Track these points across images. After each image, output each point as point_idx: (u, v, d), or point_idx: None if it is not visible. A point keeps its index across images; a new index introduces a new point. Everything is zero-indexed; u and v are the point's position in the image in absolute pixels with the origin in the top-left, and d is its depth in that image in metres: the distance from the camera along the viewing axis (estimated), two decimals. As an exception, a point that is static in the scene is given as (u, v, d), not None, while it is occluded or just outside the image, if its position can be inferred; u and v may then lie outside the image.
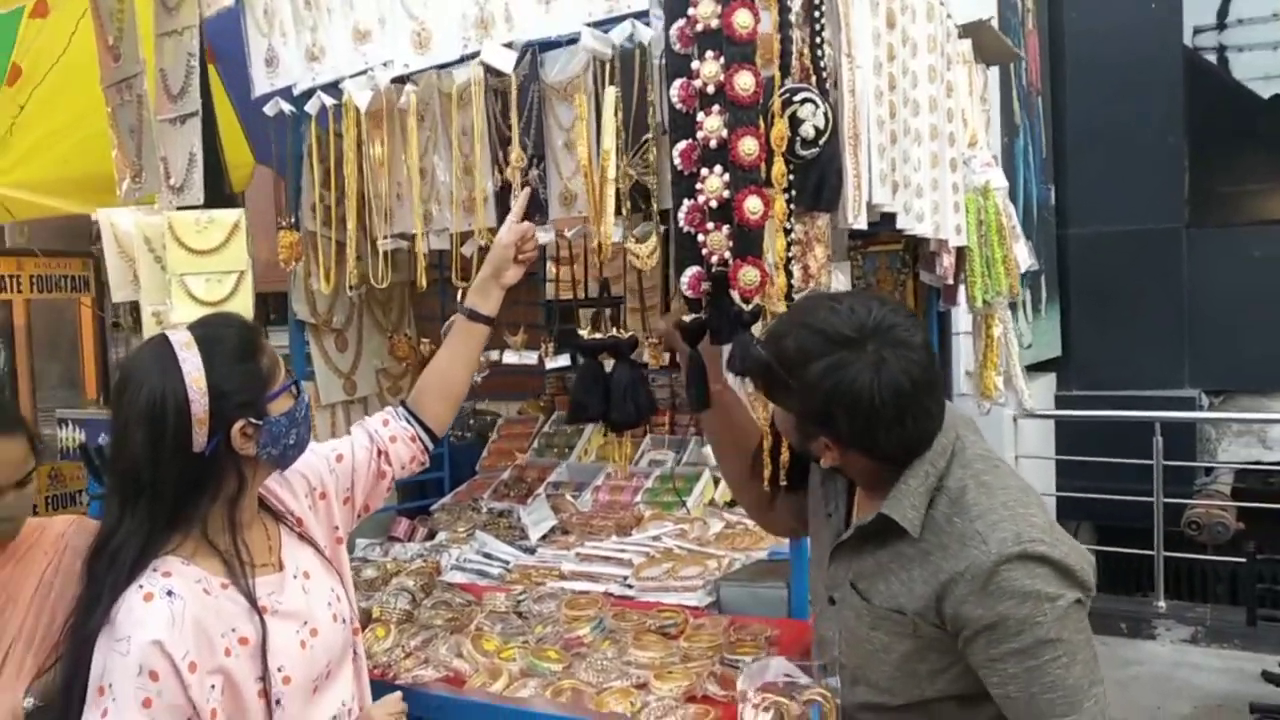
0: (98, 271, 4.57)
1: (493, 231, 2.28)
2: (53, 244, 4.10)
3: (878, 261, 3.43)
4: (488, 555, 2.75)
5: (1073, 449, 6.44)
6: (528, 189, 2.01)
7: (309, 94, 2.32)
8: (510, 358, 2.53)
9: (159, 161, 2.47)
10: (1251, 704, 3.53)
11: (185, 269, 2.37)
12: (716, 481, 3.05)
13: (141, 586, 1.37)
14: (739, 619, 2.19)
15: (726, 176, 1.76)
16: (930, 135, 2.62)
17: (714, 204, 1.76)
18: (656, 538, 2.66)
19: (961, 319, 3.24)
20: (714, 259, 1.78)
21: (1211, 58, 7.05)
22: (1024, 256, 3.04)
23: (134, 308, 2.57)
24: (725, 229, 1.76)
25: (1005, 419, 5.80)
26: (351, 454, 1.81)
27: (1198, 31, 7.05)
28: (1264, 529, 5.74)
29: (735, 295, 1.76)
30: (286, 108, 2.37)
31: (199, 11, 2.36)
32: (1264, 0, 6.82)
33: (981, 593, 1.30)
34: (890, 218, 2.42)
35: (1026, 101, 6.48)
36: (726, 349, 1.76)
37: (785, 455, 1.81)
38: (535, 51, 2.22)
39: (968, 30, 2.97)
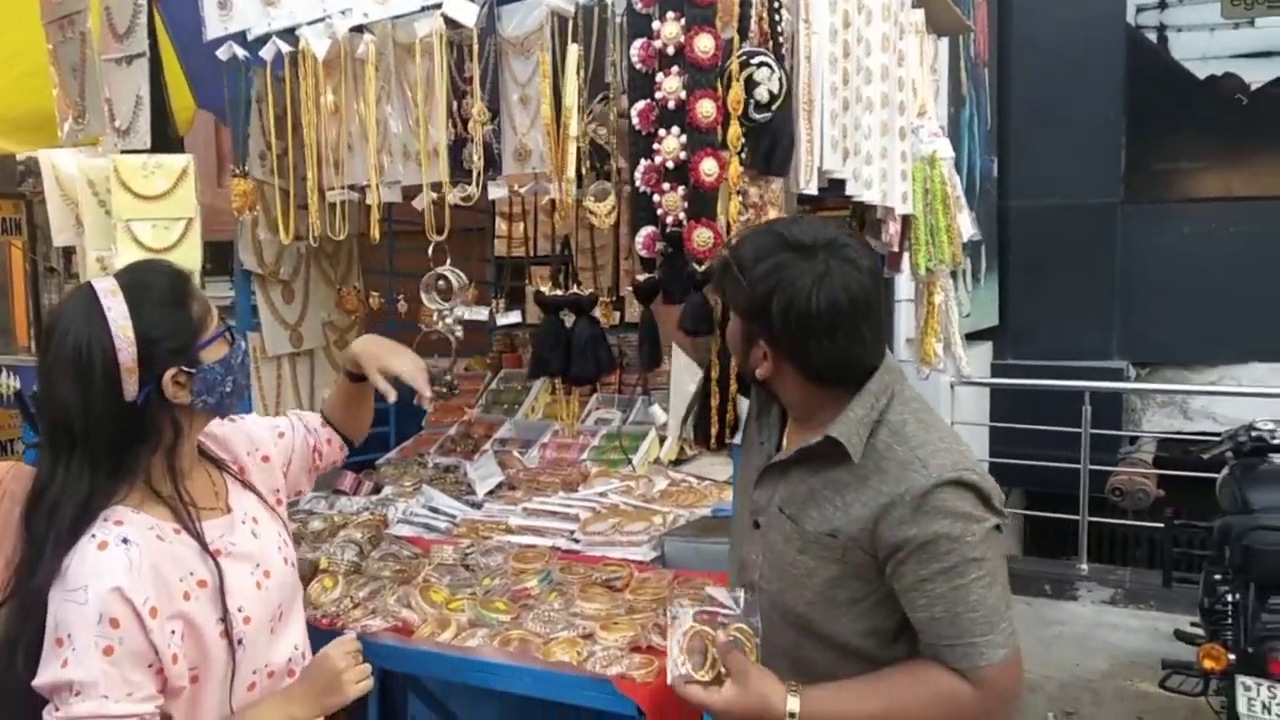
0: (30, 214, 4.43)
1: (440, 186, 2.29)
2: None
3: (825, 227, 3.47)
4: (434, 510, 2.76)
5: (1007, 416, 6.61)
6: None
7: (263, 40, 2.28)
8: (460, 312, 2.52)
9: (103, 103, 2.41)
10: (1163, 660, 3.70)
11: (131, 214, 2.33)
12: (662, 440, 3.10)
13: (95, 536, 1.37)
14: (683, 573, 2.25)
15: (684, 138, 1.79)
16: (881, 103, 2.66)
17: (670, 165, 1.80)
18: (603, 494, 2.71)
19: (904, 286, 3.31)
20: (669, 219, 1.81)
21: (1152, 37, 7.19)
22: (967, 226, 3.11)
23: (67, 252, 2.52)
24: (680, 190, 1.79)
25: (943, 385, 5.94)
26: (292, 435, 1.82)
27: (1140, 10, 7.19)
28: (1183, 496, 5.97)
29: (689, 256, 1.79)
30: (241, 53, 2.32)
31: (146, -51, 2.30)
32: (1204, -18, 6.98)
33: (917, 512, 1.38)
34: (840, 184, 2.46)
35: (974, 73, 6.56)
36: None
37: (730, 414, 1.86)
38: (493, 5, 2.21)
39: (921, 0, 3.01)
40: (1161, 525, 5.30)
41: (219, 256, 3.28)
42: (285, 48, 2.24)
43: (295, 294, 3.00)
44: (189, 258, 2.34)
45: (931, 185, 2.95)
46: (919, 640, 1.44)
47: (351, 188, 2.54)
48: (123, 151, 2.40)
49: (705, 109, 1.77)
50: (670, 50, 1.78)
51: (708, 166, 1.77)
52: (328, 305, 3.08)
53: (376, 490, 3.02)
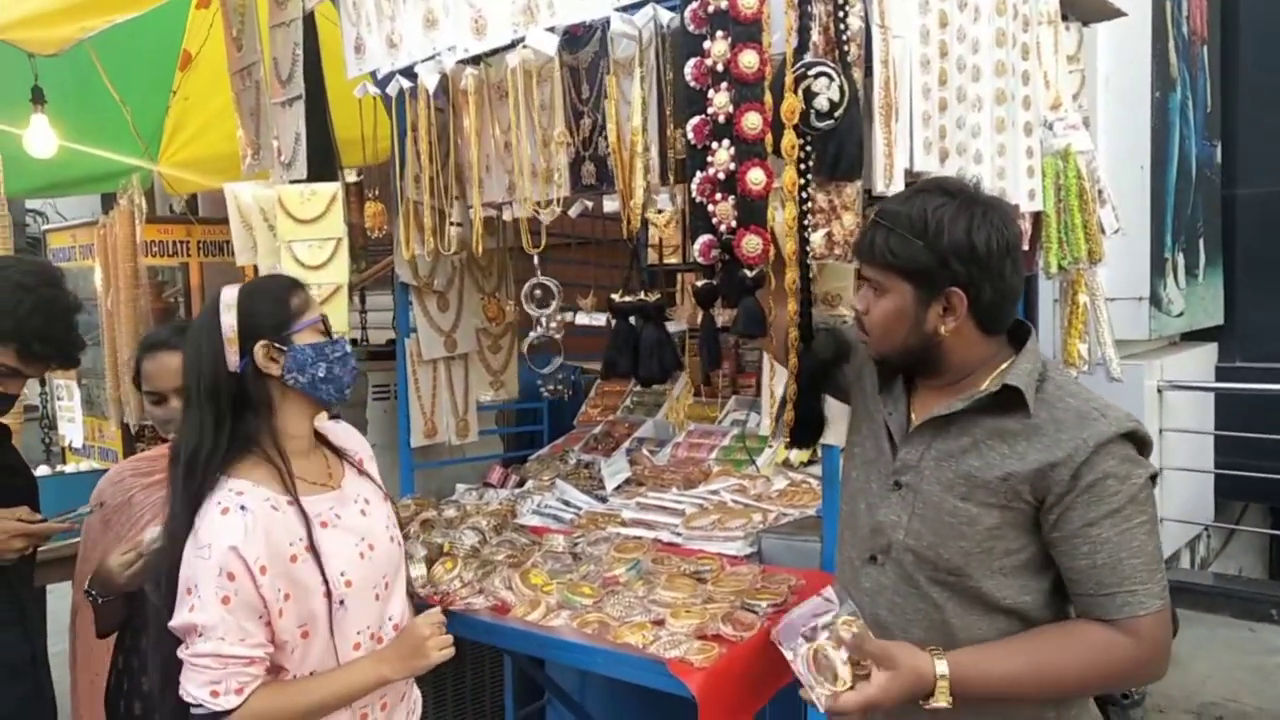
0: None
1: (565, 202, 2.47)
2: (218, 213, 4.60)
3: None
4: (564, 502, 2.96)
5: (1238, 424, 6.06)
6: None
7: (391, 76, 2.55)
8: (581, 319, 2.71)
9: (273, 140, 2.78)
10: (1374, 695, 3.32)
11: (292, 236, 2.66)
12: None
13: (220, 503, 1.64)
14: (770, 568, 2.32)
15: (733, 150, 1.87)
16: (996, 100, 2.60)
17: (722, 176, 1.88)
18: (715, 491, 2.80)
19: (1046, 286, 3.19)
20: (723, 227, 1.90)
21: None
22: (1110, 221, 2.96)
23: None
24: (731, 199, 1.87)
25: (1148, 390, 5.55)
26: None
27: (1393, -31, 6.38)
28: None
29: (741, 261, 1.88)
30: (372, 90, 2.61)
31: (303, 5, 2.63)
32: None
33: (1096, 457, 1.43)
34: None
35: (1187, 53, 6.07)
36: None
37: (789, 415, 1.92)
38: (605, 30, 2.37)
39: (1054, -12, 2.90)
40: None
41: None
42: (406, 84, 2.50)
43: (450, 303, 3.29)
44: (338, 272, 2.65)
45: (1065, 180, 2.83)
46: (1073, 596, 1.48)
47: (489, 205, 2.78)
48: (289, 182, 2.74)
49: (751, 121, 1.85)
50: (719, 67, 1.87)
51: (754, 176, 1.85)
52: (480, 314, 3.36)
53: (521, 484, 3.26)
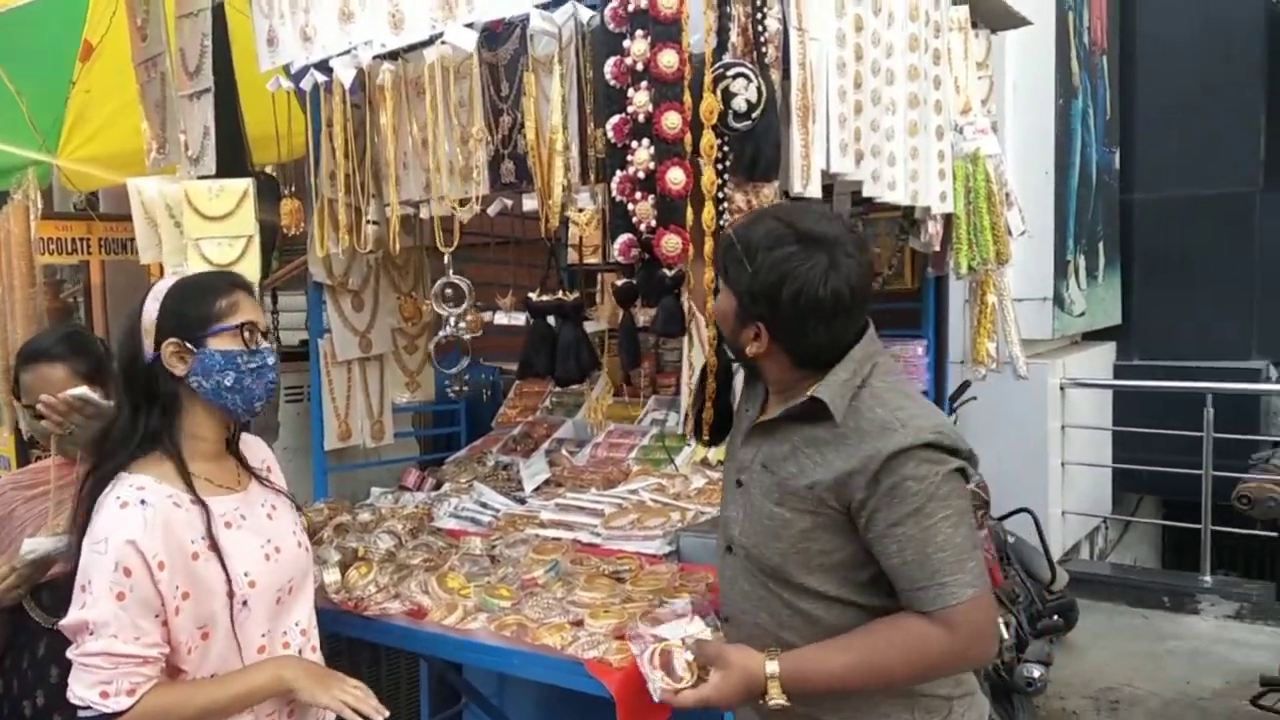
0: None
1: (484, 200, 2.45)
2: (121, 209, 4.43)
3: (877, 228, 3.47)
4: (483, 504, 2.93)
5: (1134, 420, 6.32)
6: None
7: (305, 70, 2.49)
8: (500, 318, 2.68)
9: (180, 134, 2.69)
10: (1262, 676, 3.50)
11: (200, 233, 2.58)
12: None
13: (119, 498, 1.59)
14: (688, 566, 2.32)
15: (653, 149, 1.87)
16: (909, 104, 2.66)
17: (642, 175, 1.88)
18: (634, 491, 2.80)
19: (957, 286, 3.27)
20: (643, 226, 1.90)
21: (1293, 13, 6.72)
22: (1016, 223, 3.05)
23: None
24: (651, 198, 1.87)
25: (1051, 388, 5.74)
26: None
27: (1278, -15, 6.73)
28: (1325, 506, 5.57)
29: (660, 261, 1.88)
30: (285, 84, 2.55)
31: (211, -5, 2.55)
32: (1349, -48, 6.46)
33: (893, 464, 1.47)
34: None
35: (1088, 62, 6.31)
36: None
37: (708, 413, 1.94)
38: (525, 27, 2.34)
39: (964, -3, 2.97)
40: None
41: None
42: (320, 78, 2.45)
43: (365, 303, 3.22)
44: (249, 270, 2.57)
45: (974, 183, 2.91)
46: (897, 593, 1.52)
47: (406, 203, 2.73)
48: (197, 178, 2.66)
49: (670, 121, 1.85)
50: (639, 66, 1.87)
51: (674, 175, 1.85)
52: (396, 313, 3.30)
53: (438, 486, 3.21)
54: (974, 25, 3.09)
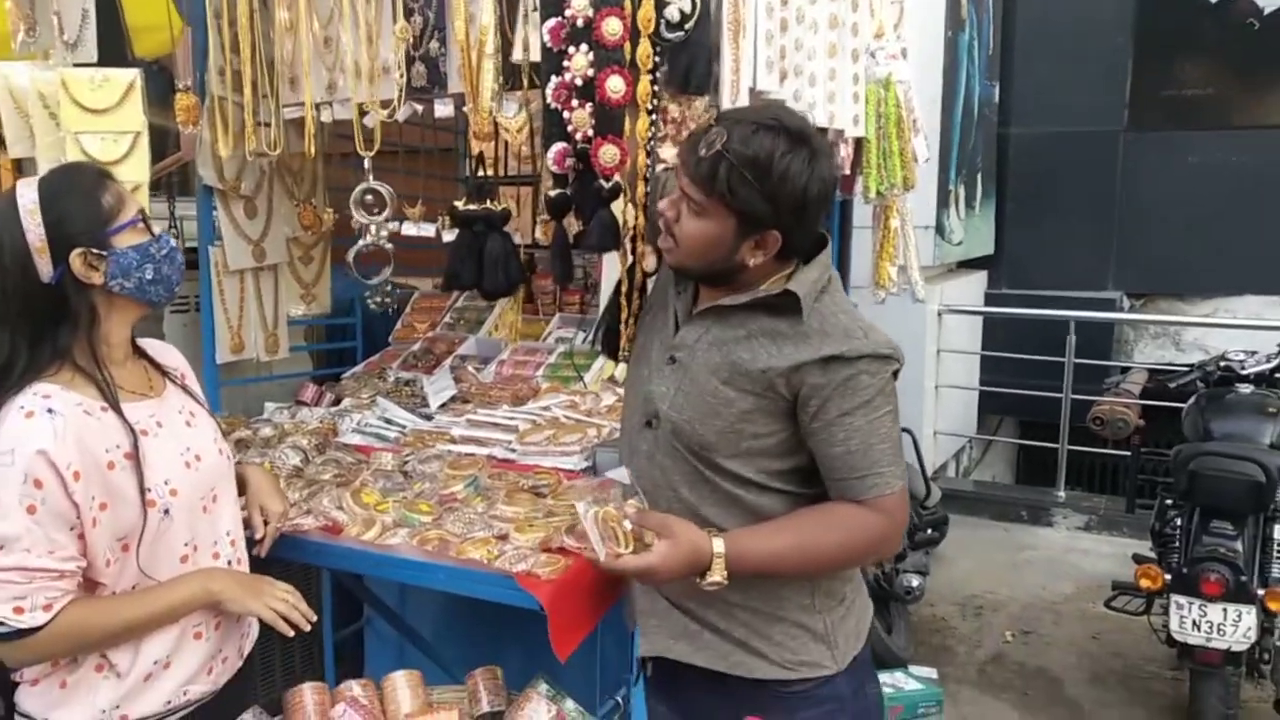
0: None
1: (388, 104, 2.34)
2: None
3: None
4: (387, 420, 2.86)
5: (1001, 346, 6.65)
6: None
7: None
8: (409, 229, 2.58)
9: (53, 16, 2.45)
10: (1113, 581, 3.79)
11: (80, 127, 2.38)
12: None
13: (23, 407, 1.48)
14: (607, 481, 2.33)
15: (592, 55, 1.81)
16: (829, 24, 2.66)
17: (579, 82, 1.83)
18: (546, 407, 2.79)
19: (861, 211, 3.33)
20: (579, 136, 1.85)
21: (1163, -41, 7.01)
22: (921, 150, 3.12)
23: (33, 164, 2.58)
24: (589, 107, 1.82)
25: (929, 313, 5.96)
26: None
27: (1151, -69, 6.99)
28: (1166, 427, 6.03)
29: (596, 172, 1.84)
30: (182, -33, 2.35)
31: None
32: (1217, -97, 6.76)
33: (849, 365, 1.57)
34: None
35: (975, -4, 6.44)
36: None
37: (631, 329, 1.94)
38: (437, -78, 2.22)
39: (881, -81, 2.97)
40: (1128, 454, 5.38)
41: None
42: (223, -38, 2.27)
43: (258, 210, 3.05)
44: (137, 170, 2.40)
45: (885, 109, 2.95)
46: (828, 482, 1.63)
47: (302, 104, 2.58)
48: (73, 65, 2.44)
49: (611, 27, 1.79)
50: (578, -32, 1.79)
51: (613, 84, 1.80)
52: (291, 221, 3.14)
53: (336, 402, 3.11)
54: (888, -51, 3.10)
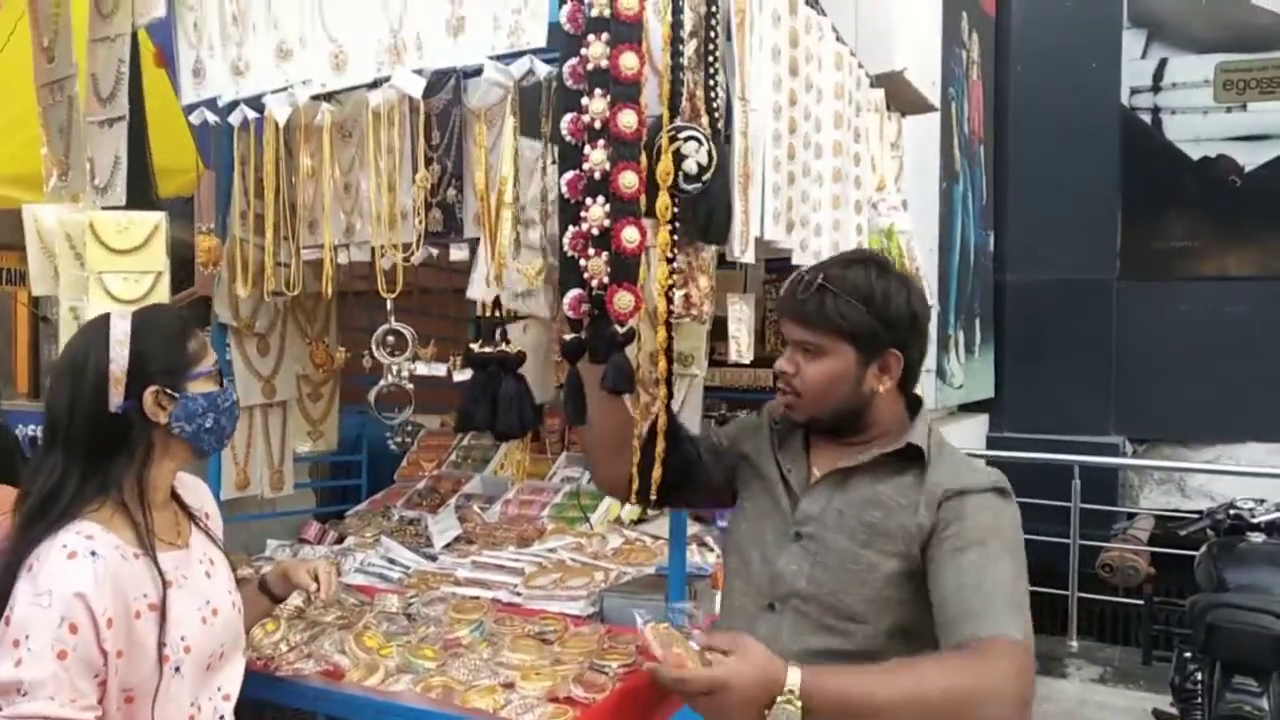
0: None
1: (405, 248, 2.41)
2: (-6, 237, 4.15)
3: (791, 295, 3.56)
4: (391, 560, 2.82)
5: (1002, 489, 6.59)
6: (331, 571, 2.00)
7: (234, 105, 2.41)
8: (420, 369, 2.61)
9: (86, 161, 2.54)
10: (1155, 709, 3.65)
11: (104, 267, 2.43)
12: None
13: (65, 546, 1.47)
14: (615, 628, 2.29)
15: (608, 206, 1.88)
16: (833, 178, 2.76)
17: (595, 231, 1.88)
18: (553, 549, 2.75)
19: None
20: (594, 283, 1.89)
21: (1146, 118, 7.31)
22: (927, 297, 3.17)
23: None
24: (604, 255, 1.87)
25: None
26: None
27: (1134, 92, 7.31)
28: (1176, 575, 5.93)
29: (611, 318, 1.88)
30: (211, 118, 2.45)
31: (131, 20, 2.44)
32: (1196, 66, 7.09)
33: (971, 496, 1.55)
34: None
35: (968, 149, 6.70)
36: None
37: (657, 472, 1.92)
38: (459, 77, 2.33)
39: (880, 80, 3.13)
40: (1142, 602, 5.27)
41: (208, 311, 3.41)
42: (252, 114, 2.37)
43: (270, 347, 3.09)
44: (157, 309, 2.45)
45: (889, 256, 3.02)
46: (940, 624, 1.47)
47: (321, 246, 2.65)
48: (102, 208, 2.52)
49: (628, 180, 1.86)
50: (597, 124, 1.87)
51: (629, 234, 1.86)
52: (302, 359, 3.18)
53: (340, 540, 3.08)
54: (888, 108, 3.25)
